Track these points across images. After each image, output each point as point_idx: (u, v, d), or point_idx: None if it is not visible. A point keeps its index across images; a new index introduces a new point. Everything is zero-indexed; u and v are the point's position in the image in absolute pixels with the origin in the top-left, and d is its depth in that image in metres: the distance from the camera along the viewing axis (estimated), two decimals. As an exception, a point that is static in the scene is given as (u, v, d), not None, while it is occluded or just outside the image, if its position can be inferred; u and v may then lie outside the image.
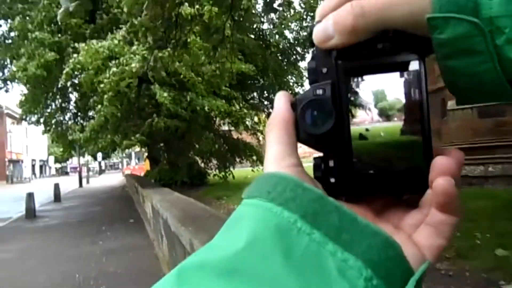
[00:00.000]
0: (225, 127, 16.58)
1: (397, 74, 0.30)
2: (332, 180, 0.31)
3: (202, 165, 14.84)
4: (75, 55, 9.25)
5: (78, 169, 32.74)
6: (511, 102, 0.30)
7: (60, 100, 17.81)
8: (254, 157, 15.36)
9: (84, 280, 5.05)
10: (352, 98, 0.31)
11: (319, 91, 0.30)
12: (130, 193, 14.98)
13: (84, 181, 31.26)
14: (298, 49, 15.52)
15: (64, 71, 9.50)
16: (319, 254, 0.24)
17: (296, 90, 15.79)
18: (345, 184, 0.31)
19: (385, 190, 0.31)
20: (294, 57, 15.57)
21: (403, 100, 0.30)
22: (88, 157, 58.05)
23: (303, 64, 15.84)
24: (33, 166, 61.97)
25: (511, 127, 10.58)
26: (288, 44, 15.07)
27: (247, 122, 16.12)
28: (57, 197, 16.89)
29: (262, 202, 0.27)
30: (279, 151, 0.30)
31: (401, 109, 0.31)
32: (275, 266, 0.23)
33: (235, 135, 16.08)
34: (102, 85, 8.82)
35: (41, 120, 18.21)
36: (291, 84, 15.97)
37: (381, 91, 0.31)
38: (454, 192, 0.27)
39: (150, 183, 10.77)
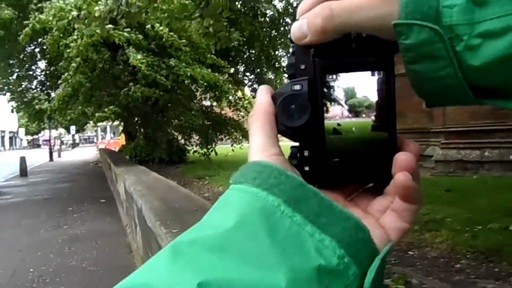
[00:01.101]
0: (206, 102, 15.55)
1: (369, 73, 0.32)
2: (307, 168, 0.33)
3: (183, 141, 13.81)
4: (37, 12, 7.97)
5: (50, 141, 31.15)
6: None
7: (26, 66, 16.35)
8: (237, 134, 14.47)
9: (38, 277, 4.16)
10: (327, 93, 0.33)
11: (297, 87, 0.32)
12: (104, 169, 13.96)
13: (55, 154, 29.81)
14: (288, 20, 14.50)
15: (24, 31, 8.22)
16: (300, 235, 0.27)
17: (284, 64, 14.83)
18: (318, 172, 0.33)
19: (355, 179, 0.34)
20: (283, 28, 14.53)
21: (371, 98, 0.33)
22: (61, 130, 55.87)
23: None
24: (2, 137, 59.25)
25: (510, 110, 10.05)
26: (277, 14, 13.98)
27: (230, 97, 15.16)
28: (23, 171, 15.70)
29: (249, 187, 0.29)
30: (263, 141, 0.33)
31: (369, 106, 0.33)
32: (261, 244, 0.26)
33: (217, 110, 15.09)
34: (68, 50, 7.63)
35: (5, 87, 16.76)
36: (278, 57, 14.93)
37: (351, 89, 0.33)
38: (412, 185, 0.31)
39: (125, 160, 9.80)
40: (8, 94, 17.04)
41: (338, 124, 0.34)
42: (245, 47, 14.94)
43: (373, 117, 0.33)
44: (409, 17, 0.27)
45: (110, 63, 9.05)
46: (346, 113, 0.34)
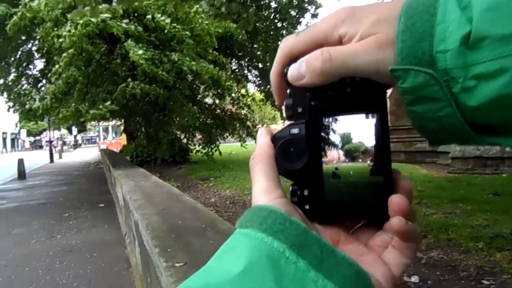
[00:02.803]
0: (209, 100, 14.97)
1: (363, 116, 0.33)
2: (307, 206, 0.34)
3: (185, 140, 13.22)
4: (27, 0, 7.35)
5: (52, 142, 30.75)
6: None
7: (24, 65, 15.81)
8: (242, 132, 13.90)
9: (22, 301, 3.62)
10: (325, 136, 0.34)
11: (295, 130, 0.33)
12: (104, 171, 13.44)
13: (56, 156, 29.34)
14: (293, 12, 13.87)
15: (12, 20, 7.61)
16: (304, 281, 0.28)
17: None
18: (318, 211, 0.34)
19: (353, 217, 0.35)
20: (285, 22, 13.90)
21: (366, 144, 0.34)
22: (63, 131, 55.41)
23: (298, 28, 14.19)
24: (4, 139, 58.85)
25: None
26: (281, 6, 13.36)
27: (232, 94, 14.61)
28: (21, 174, 15.18)
29: (255, 233, 0.30)
30: (266, 184, 0.34)
31: (364, 152, 0.34)
32: None
33: (220, 108, 14.50)
34: (61, 40, 7.01)
35: (2, 88, 16.21)
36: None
37: (347, 134, 0.34)
38: (407, 228, 0.32)
39: (124, 161, 9.25)
40: (6, 94, 16.54)
41: (336, 168, 0.34)
42: (249, 41, 14.33)
43: (369, 162, 0.34)
44: (404, 62, 0.28)
45: (107, 58, 8.41)
46: (342, 157, 0.34)
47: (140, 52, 7.24)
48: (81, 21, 6.58)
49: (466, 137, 0.30)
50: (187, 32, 7.87)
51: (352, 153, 0.34)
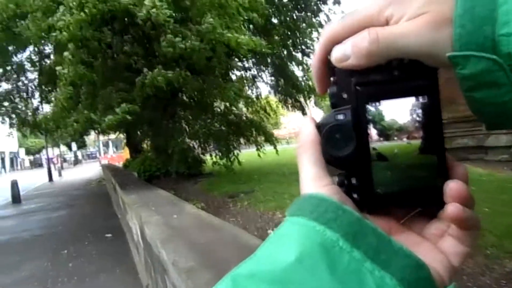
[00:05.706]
0: (220, 104, 13.42)
1: (413, 98, 0.31)
2: (355, 196, 0.33)
3: (199, 150, 11.62)
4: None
5: (52, 159, 29.24)
6: None
7: (15, 77, 14.36)
8: (260, 138, 12.30)
9: None
10: (370, 120, 0.32)
11: (341, 116, 0.32)
12: (108, 189, 11.90)
13: (56, 174, 27.76)
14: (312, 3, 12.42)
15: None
16: (359, 271, 0.27)
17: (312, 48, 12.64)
18: (367, 200, 0.33)
19: (405, 206, 0.33)
20: (304, 12, 12.45)
21: (399, 121, 0.32)
22: (63, 148, 53.93)
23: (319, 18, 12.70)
24: (2, 159, 57.33)
25: None
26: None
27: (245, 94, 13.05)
28: (15, 197, 13.66)
29: (306, 221, 0.29)
30: (314, 172, 0.33)
31: (399, 129, 0.32)
32: (323, 280, 0.26)
33: (235, 112, 12.91)
34: (55, 33, 5.41)
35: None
36: (307, 42, 12.71)
37: (380, 112, 0.32)
38: (464, 216, 0.30)
39: (133, 179, 7.69)
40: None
41: (374, 148, 0.32)
42: (263, 35, 12.82)
43: (405, 139, 0.32)
44: (463, 48, 0.27)
45: (115, 46, 6.75)
46: (375, 137, 0.32)
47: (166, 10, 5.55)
48: (74, 2, 5.04)
49: None
50: None
51: (386, 131, 0.32)
